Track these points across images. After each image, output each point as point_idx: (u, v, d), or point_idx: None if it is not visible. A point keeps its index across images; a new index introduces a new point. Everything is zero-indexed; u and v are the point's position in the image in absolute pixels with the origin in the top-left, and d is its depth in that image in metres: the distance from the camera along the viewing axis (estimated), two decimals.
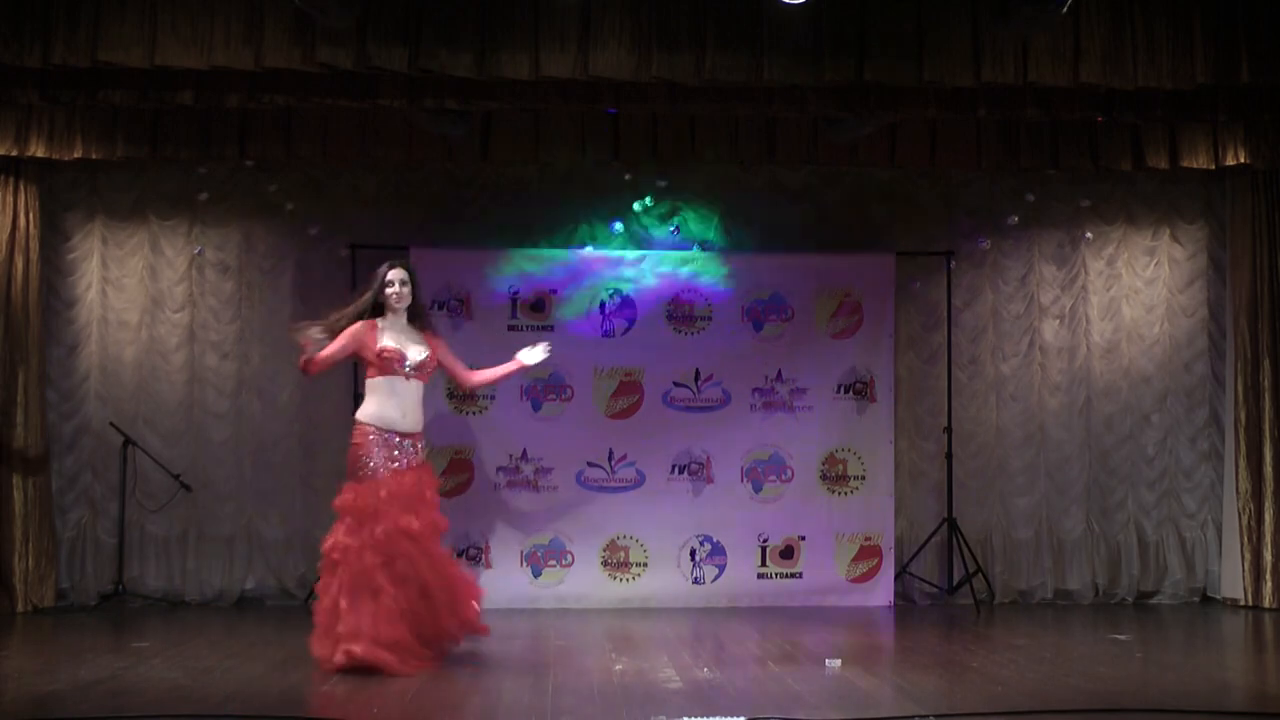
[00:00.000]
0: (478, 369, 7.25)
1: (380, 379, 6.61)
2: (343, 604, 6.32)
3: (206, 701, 5.70)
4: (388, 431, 6.55)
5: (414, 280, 6.81)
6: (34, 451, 8.66)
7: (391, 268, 6.78)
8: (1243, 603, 8.88)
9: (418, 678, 6.49)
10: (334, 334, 6.65)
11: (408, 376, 6.64)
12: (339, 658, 6.28)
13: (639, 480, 8.93)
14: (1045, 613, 8.83)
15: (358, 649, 6.23)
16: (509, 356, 8.77)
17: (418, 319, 6.84)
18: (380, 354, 6.59)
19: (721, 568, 8.95)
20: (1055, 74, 7.11)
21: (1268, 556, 8.77)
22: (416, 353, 6.69)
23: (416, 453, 6.64)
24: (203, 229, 9.14)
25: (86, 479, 9.00)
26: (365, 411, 6.63)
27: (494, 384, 7.59)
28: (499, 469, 8.89)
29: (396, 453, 6.56)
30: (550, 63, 6.97)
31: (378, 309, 6.74)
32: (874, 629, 8.27)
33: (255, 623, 8.28)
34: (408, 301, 6.75)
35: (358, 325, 6.66)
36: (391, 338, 6.66)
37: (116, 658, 6.93)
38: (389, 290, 6.71)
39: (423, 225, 9.12)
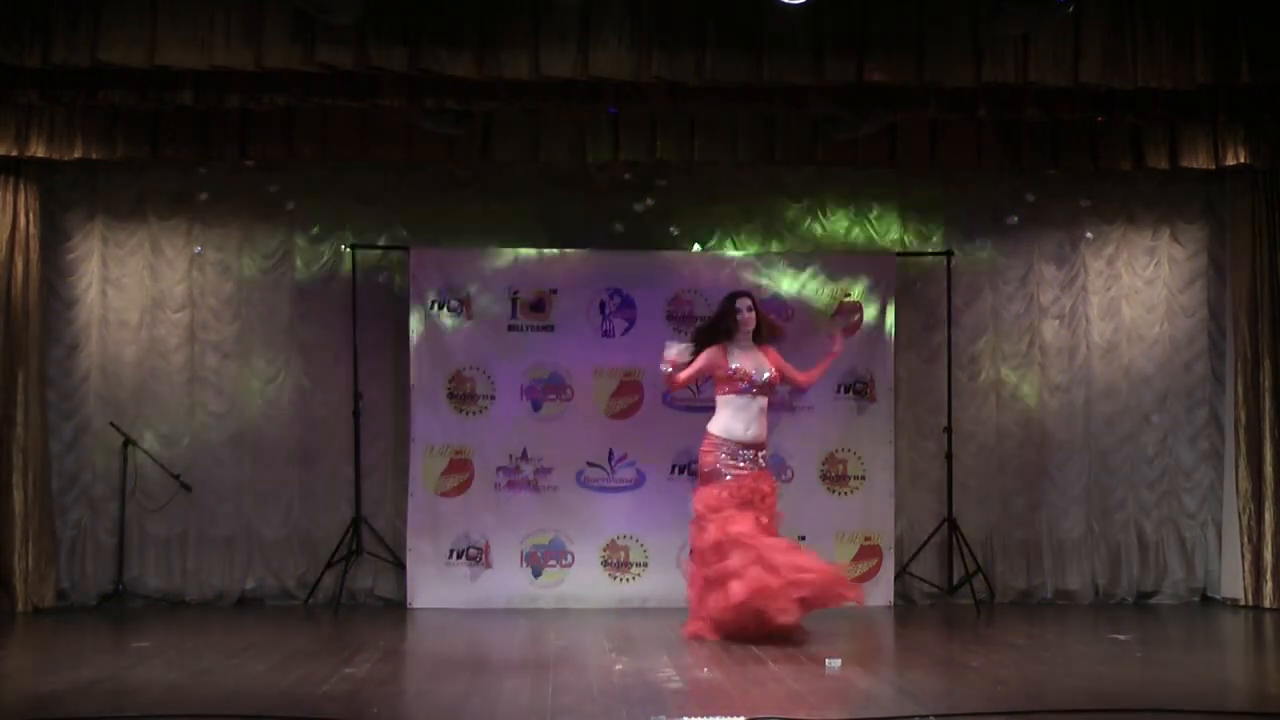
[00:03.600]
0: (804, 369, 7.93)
1: (729, 395, 7.51)
2: (747, 573, 7.11)
3: (206, 701, 5.70)
4: (731, 441, 7.44)
5: (756, 303, 7.71)
6: (34, 451, 8.66)
7: (739, 297, 7.67)
8: (1243, 603, 8.87)
9: (417, 678, 6.50)
10: (693, 354, 7.53)
11: (754, 394, 7.49)
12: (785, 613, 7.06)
13: (639, 480, 8.92)
14: (1045, 613, 8.82)
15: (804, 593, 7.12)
16: (509, 356, 8.90)
17: (760, 336, 7.67)
18: (733, 374, 7.48)
19: None
20: (1055, 74, 7.10)
21: (1268, 556, 8.77)
22: (761, 372, 7.54)
23: (757, 461, 7.49)
24: (203, 229, 9.13)
25: (86, 479, 8.98)
26: (714, 424, 7.53)
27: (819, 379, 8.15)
28: (499, 469, 8.88)
29: (737, 460, 7.44)
30: (550, 63, 6.97)
31: (728, 333, 7.57)
32: (874, 629, 8.26)
33: (255, 623, 8.27)
34: (754, 325, 7.61)
35: (713, 349, 7.55)
36: (739, 359, 7.54)
37: (116, 658, 6.95)
38: (739, 317, 7.57)
39: (423, 225, 9.12)
